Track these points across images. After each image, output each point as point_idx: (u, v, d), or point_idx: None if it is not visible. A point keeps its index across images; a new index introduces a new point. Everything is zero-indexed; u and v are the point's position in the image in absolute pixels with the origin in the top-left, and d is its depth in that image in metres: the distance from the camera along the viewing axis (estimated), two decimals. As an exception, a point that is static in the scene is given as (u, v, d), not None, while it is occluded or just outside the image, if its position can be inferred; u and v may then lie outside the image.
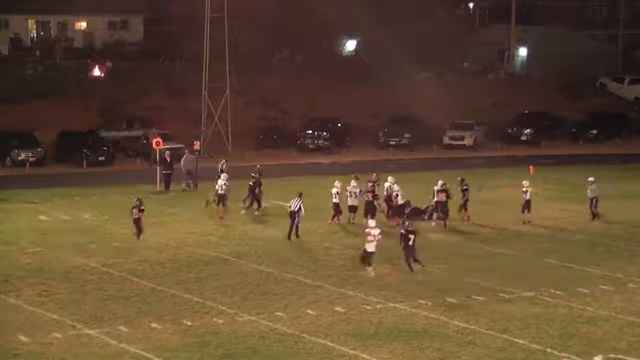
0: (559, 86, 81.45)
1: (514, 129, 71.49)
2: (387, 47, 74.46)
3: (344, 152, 66.00)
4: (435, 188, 42.11)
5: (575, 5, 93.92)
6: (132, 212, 38.42)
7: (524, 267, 35.18)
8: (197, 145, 54.07)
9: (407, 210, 41.08)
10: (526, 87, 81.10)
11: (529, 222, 42.20)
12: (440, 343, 26.72)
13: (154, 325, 27.99)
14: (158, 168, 50.50)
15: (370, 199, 41.56)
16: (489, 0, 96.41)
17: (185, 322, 28.29)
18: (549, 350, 26.30)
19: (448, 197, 41.98)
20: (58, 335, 27.04)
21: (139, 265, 34.74)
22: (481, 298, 31.04)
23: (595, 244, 39.07)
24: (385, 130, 68.79)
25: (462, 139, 68.46)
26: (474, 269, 34.57)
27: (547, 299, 31.08)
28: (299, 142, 66.73)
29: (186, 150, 52.24)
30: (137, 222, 38.29)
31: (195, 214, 43.97)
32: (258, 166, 46.41)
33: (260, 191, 44.26)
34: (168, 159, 50.14)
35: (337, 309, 29.75)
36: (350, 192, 41.88)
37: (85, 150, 59.82)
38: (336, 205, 41.70)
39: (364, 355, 25.82)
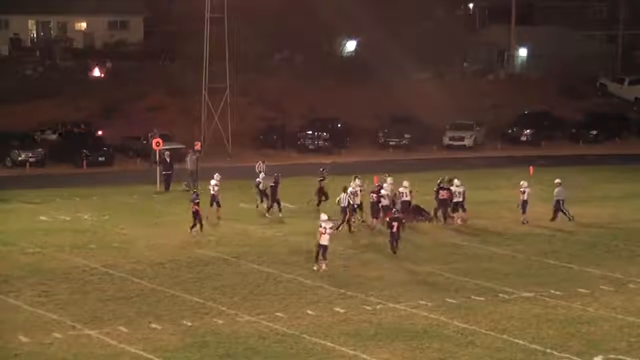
0: (559, 86, 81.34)
1: (514, 130, 71.42)
2: (387, 48, 74.40)
3: (343, 153, 65.97)
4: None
5: (575, 6, 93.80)
6: (190, 205, 39.68)
7: (524, 267, 35.20)
8: (198, 145, 54.05)
9: (397, 206, 40.30)
10: (526, 87, 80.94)
11: (527, 222, 42.22)
12: (440, 343, 26.72)
13: (153, 325, 28.00)
14: (158, 168, 50.56)
15: (375, 199, 41.43)
16: (489, 0, 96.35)
17: (185, 322, 28.29)
18: (548, 350, 26.29)
19: (450, 196, 41.96)
20: (58, 335, 27.04)
21: (139, 266, 34.74)
22: (481, 298, 31.05)
23: (595, 244, 39.05)
24: (385, 130, 68.80)
25: (462, 139, 68.41)
26: (474, 269, 34.60)
27: (547, 299, 31.08)
28: (299, 142, 66.73)
29: (190, 151, 52.26)
30: (195, 214, 39.26)
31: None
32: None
33: (275, 192, 43.56)
34: (168, 160, 50.19)
35: (337, 309, 29.75)
36: (354, 192, 41.24)
37: (85, 151, 59.79)
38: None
39: (364, 356, 25.82)
